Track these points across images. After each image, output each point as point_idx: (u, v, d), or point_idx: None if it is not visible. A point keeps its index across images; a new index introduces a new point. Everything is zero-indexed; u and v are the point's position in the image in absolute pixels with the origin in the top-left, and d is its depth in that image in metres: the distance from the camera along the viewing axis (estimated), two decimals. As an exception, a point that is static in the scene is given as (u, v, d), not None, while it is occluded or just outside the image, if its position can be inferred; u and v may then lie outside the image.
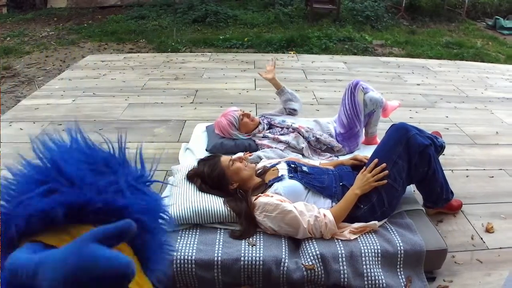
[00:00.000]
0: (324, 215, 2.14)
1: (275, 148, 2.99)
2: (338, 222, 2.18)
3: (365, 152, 3.02)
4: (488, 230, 2.66)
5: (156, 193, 1.00)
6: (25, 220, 0.83)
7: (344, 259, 2.04)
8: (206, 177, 2.36)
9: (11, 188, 0.92)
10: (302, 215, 2.11)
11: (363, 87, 3.07)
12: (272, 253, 2.05)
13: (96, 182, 0.89)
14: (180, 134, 3.84)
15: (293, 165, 2.44)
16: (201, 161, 2.51)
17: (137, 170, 1.00)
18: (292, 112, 3.36)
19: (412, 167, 2.34)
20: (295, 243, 2.19)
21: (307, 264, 2.02)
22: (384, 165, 2.29)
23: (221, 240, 2.13)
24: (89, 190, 0.87)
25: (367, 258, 2.06)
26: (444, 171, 2.51)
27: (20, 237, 0.84)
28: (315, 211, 2.15)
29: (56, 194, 0.85)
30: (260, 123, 3.23)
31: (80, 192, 0.86)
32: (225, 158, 2.43)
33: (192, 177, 2.43)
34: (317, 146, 3.11)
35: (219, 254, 2.03)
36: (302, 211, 2.12)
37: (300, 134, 3.09)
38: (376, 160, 2.32)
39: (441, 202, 2.60)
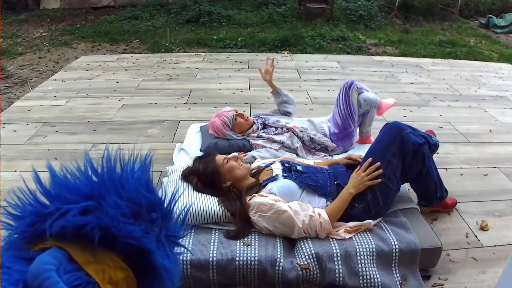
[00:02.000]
0: (319, 215, 2.14)
1: (270, 148, 2.99)
2: (333, 221, 2.18)
3: (360, 151, 3.02)
4: (483, 228, 2.66)
5: (177, 258, 1.04)
6: (60, 227, 0.87)
7: (339, 258, 2.04)
8: (201, 174, 2.36)
9: (52, 187, 0.94)
10: (297, 215, 2.11)
11: (357, 87, 3.07)
12: (267, 253, 2.04)
13: (134, 223, 0.92)
14: (174, 134, 3.83)
15: (287, 165, 2.43)
16: (196, 159, 2.52)
17: (175, 227, 1.02)
18: (286, 114, 3.36)
19: (406, 165, 2.34)
20: (290, 242, 2.19)
21: (302, 263, 2.02)
22: (378, 164, 2.29)
23: (216, 241, 2.12)
24: (125, 227, 0.90)
25: (362, 257, 2.06)
26: (438, 170, 2.52)
27: (50, 236, 0.88)
28: (309, 210, 2.15)
29: (94, 216, 0.88)
30: (254, 123, 3.22)
31: (118, 225, 0.89)
32: (220, 157, 2.44)
33: (187, 175, 2.43)
34: (311, 146, 3.11)
35: (214, 255, 2.03)
36: (297, 211, 2.12)
37: (294, 134, 3.09)
38: (370, 159, 2.33)
39: (435, 200, 2.60)
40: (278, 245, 2.11)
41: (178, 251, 1.05)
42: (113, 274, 0.89)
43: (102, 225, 0.87)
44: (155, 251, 0.93)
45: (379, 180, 2.27)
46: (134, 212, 0.93)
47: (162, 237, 0.96)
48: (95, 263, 0.88)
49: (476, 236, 2.60)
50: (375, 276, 2.03)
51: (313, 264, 2.02)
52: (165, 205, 1.01)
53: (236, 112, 3.21)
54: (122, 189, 0.94)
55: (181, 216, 1.05)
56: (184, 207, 1.07)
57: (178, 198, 1.04)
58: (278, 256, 2.03)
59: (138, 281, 0.95)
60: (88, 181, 0.95)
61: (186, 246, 2.08)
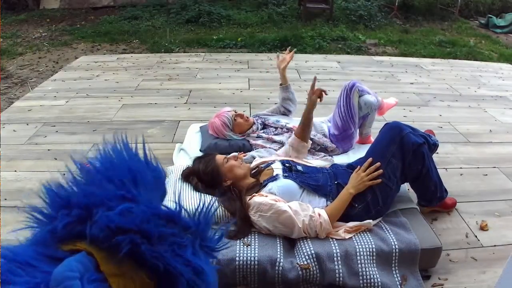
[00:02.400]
0: (319, 215, 2.14)
1: (269, 148, 2.99)
2: (333, 221, 2.18)
3: (360, 151, 3.02)
4: (483, 228, 2.66)
5: (214, 274, 1.02)
6: (99, 228, 0.86)
7: (339, 258, 2.04)
8: (201, 173, 2.36)
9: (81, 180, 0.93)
10: (297, 215, 2.11)
11: (359, 89, 3.06)
12: (267, 253, 2.04)
13: (166, 234, 0.91)
14: (174, 134, 3.83)
15: (287, 165, 2.43)
16: (196, 159, 2.53)
17: (210, 239, 1.01)
18: (286, 112, 3.36)
19: (406, 165, 2.34)
20: (290, 243, 2.19)
21: (302, 263, 2.02)
22: (378, 164, 2.29)
23: (216, 241, 2.12)
24: (160, 244, 0.89)
25: (362, 257, 2.06)
26: (438, 170, 2.52)
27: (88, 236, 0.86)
28: (309, 210, 2.15)
29: (134, 223, 0.87)
30: (254, 123, 3.22)
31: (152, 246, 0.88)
32: (220, 156, 2.46)
33: (187, 175, 2.43)
34: (311, 146, 3.11)
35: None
36: (297, 211, 2.12)
37: (295, 134, 3.09)
38: (370, 159, 2.33)
39: (435, 200, 2.60)
40: (278, 245, 2.11)
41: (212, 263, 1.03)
42: None
43: (135, 241, 0.86)
44: (183, 271, 0.91)
45: (379, 180, 2.27)
46: (169, 217, 0.92)
47: (197, 246, 0.95)
48: (120, 276, 0.86)
49: (476, 236, 2.60)
50: (375, 276, 2.03)
51: (313, 264, 2.02)
52: (200, 218, 1.00)
53: (236, 112, 3.21)
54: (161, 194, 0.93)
55: (217, 233, 1.03)
56: (226, 228, 1.05)
57: (214, 209, 1.03)
58: (278, 256, 2.03)
59: None
60: (121, 184, 0.94)
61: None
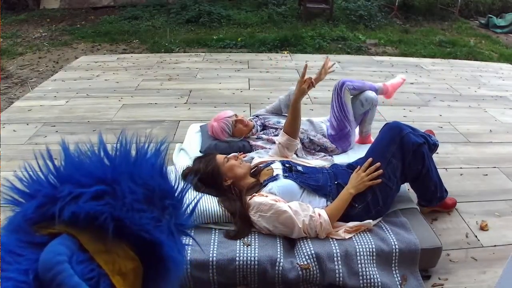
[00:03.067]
0: (319, 215, 2.14)
1: (269, 149, 2.98)
2: (333, 221, 2.18)
3: (360, 151, 3.02)
4: (483, 228, 2.66)
5: (185, 249, 1.00)
6: (71, 212, 0.82)
7: (339, 258, 2.04)
8: (201, 173, 2.35)
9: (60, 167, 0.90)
10: (297, 215, 2.11)
11: (348, 88, 3.06)
12: (267, 253, 2.04)
13: (145, 212, 0.88)
14: (174, 134, 3.83)
15: (287, 165, 2.43)
16: (197, 159, 2.53)
17: (184, 216, 1.00)
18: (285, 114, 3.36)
19: (406, 165, 2.34)
20: (290, 243, 2.19)
21: (302, 263, 2.02)
22: (378, 164, 2.29)
23: (216, 241, 2.12)
24: (139, 219, 0.87)
25: (362, 257, 2.06)
26: (438, 170, 2.52)
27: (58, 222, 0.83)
28: (310, 210, 2.15)
29: (107, 202, 0.84)
30: (253, 126, 3.21)
31: (132, 216, 0.86)
32: (220, 156, 2.46)
33: (187, 175, 2.43)
34: (311, 147, 3.11)
35: (214, 255, 2.03)
36: (297, 211, 2.12)
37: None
38: (370, 159, 2.33)
39: (435, 200, 2.60)
40: (278, 245, 2.11)
41: (185, 242, 1.03)
42: (122, 265, 0.86)
43: (115, 216, 0.83)
44: (165, 242, 0.90)
45: (379, 180, 2.27)
46: (147, 198, 0.90)
47: (172, 226, 0.94)
48: (105, 252, 0.84)
49: (476, 236, 2.60)
50: (375, 276, 2.03)
51: (313, 264, 2.02)
52: (177, 193, 0.99)
53: (237, 116, 3.19)
54: (137, 175, 0.91)
55: (190, 205, 1.02)
56: (194, 198, 1.04)
57: (190, 187, 1.02)
58: (278, 256, 2.03)
59: (144, 270, 0.93)
60: (101, 164, 0.91)
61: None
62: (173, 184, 0.98)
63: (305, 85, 2.60)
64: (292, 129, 2.68)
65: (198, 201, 1.04)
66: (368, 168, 2.30)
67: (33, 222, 0.85)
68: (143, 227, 0.86)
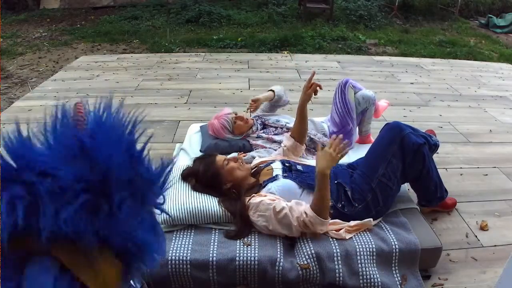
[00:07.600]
0: (306, 214, 2.07)
1: (269, 148, 2.98)
2: (323, 211, 2.06)
3: (360, 151, 3.02)
4: (483, 228, 2.66)
5: (161, 230, 0.94)
6: (49, 233, 0.70)
7: (339, 258, 2.04)
8: (201, 176, 2.35)
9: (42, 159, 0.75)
10: (292, 211, 2.08)
11: (352, 85, 3.09)
12: (267, 252, 2.04)
13: (134, 214, 0.79)
14: (174, 134, 3.83)
15: (287, 164, 2.43)
16: (196, 160, 2.51)
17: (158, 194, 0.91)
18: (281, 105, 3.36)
19: (407, 166, 2.34)
20: (290, 242, 2.19)
21: (302, 263, 2.02)
22: (341, 136, 2.20)
23: (216, 241, 2.12)
24: (130, 218, 0.78)
25: (362, 257, 2.06)
26: (438, 170, 2.52)
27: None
28: (302, 207, 2.10)
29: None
30: (253, 124, 3.22)
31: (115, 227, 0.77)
32: (220, 158, 2.43)
33: (186, 176, 2.42)
34: (311, 146, 3.11)
35: (214, 255, 2.03)
36: (292, 207, 2.09)
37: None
38: (334, 136, 2.22)
39: (435, 200, 2.60)
40: (278, 245, 2.11)
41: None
42: (106, 276, 0.79)
43: (101, 233, 0.74)
44: (149, 239, 0.84)
45: (347, 150, 2.22)
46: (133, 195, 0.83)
47: (153, 220, 0.87)
48: (88, 267, 0.76)
49: (476, 236, 2.60)
50: (375, 276, 2.03)
51: (313, 264, 2.02)
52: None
53: (236, 114, 3.20)
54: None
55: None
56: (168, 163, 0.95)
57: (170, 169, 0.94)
58: (278, 256, 2.04)
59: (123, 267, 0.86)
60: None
61: (186, 246, 2.08)
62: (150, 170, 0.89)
63: (310, 91, 2.58)
64: (298, 133, 2.68)
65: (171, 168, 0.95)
66: (333, 142, 2.18)
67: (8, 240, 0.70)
68: (130, 235, 0.79)
